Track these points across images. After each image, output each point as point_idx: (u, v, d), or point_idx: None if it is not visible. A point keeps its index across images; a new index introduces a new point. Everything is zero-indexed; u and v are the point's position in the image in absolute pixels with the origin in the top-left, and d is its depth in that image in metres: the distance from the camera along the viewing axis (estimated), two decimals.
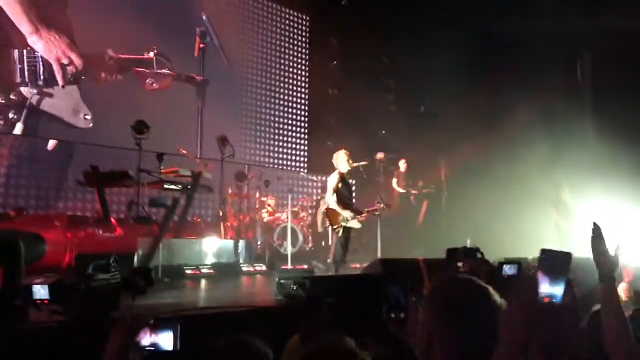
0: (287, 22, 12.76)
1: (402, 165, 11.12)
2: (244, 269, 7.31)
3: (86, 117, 9.29)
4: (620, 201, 9.07)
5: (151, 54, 9.97)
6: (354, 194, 7.70)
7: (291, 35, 12.83)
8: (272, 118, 12.23)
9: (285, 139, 12.48)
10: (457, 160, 10.96)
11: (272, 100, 12.27)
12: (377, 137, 12.58)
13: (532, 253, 6.78)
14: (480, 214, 10.46)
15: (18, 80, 8.62)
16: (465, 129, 10.72)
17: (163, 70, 10.16)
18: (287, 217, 8.62)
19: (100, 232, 6.66)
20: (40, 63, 8.82)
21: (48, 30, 8.83)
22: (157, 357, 1.71)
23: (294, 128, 12.71)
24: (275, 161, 12.19)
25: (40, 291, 2.79)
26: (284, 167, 12.26)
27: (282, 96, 12.49)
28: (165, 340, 1.71)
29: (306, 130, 12.90)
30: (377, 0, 12.18)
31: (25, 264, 3.48)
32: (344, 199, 7.20)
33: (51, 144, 9.02)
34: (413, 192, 10.98)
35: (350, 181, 7.76)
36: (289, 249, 7.99)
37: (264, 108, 12.06)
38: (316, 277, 5.89)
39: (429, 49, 11.04)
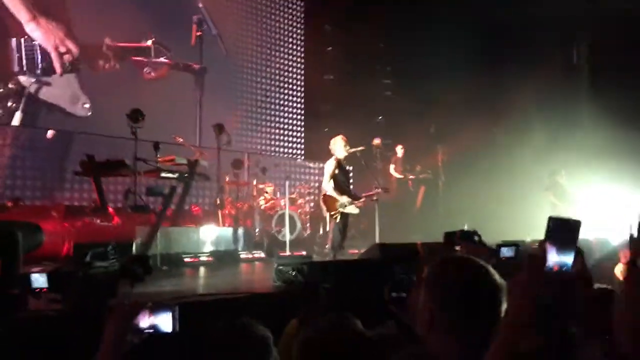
0: (282, 8, 12.68)
1: (400, 150, 11.10)
2: (243, 256, 7.32)
3: (85, 105, 9.26)
4: (618, 185, 9.11)
5: (149, 42, 9.91)
6: (351, 180, 7.69)
7: (286, 21, 12.76)
8: (268, 105, 12.19)
9: (281, 125, 12.46)
10: (454, 146, 10.95)
11: (268, 87, 12.23)
12: (374, 122, 12.55)
13: (529, 236, 6.84)
14: (477, 198, 10.48)
15: (16, 69, 8.58)
16: (464, 114, 10.71)
17: (160, 59, 10.10)
18: (285, 204, 8.62)
19: (98, 221, 6.66)
20: (39, 51, 8.76)
21: (46, 18, 8.77)
22: (156, 340, 1.71)
23: (290, 115, 12.68)
24: (272, 148, 12.17)
25: (39, 280, 2.79)
26: (281, 154, 12.24)
27: (278, 83, 12.45)
28: (164, 321, 1.71)
29: (302, 117, 12.87)
30: None
31: (23, 253, 3.49)
32: (341, 185, 7.19)
33: (50, 132, 9.00)
34: (410, 177, 10.97)
35: (347, 167, 7.75)
36: (287, 236, 8.00)
37: (259, 95, 12.02)
38: (314, 262, 5.92)
39: (426, 34, 10.99)
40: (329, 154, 7.36)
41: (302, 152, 12.72)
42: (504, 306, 1.37)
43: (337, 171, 7.19)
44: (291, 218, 8.62)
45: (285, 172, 10.47)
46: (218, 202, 8.24)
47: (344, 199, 7.12)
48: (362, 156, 7.79)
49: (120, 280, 2.87)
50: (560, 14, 10.80)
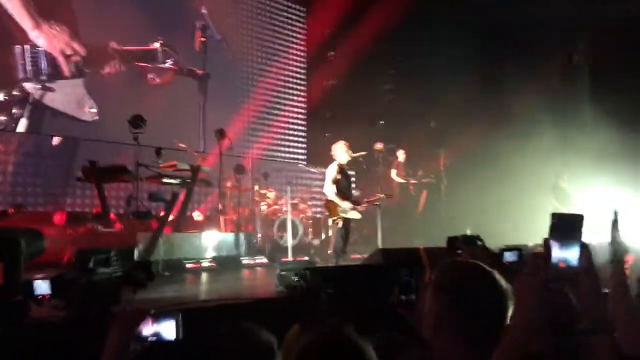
0: (284, 13, 12.72)
1: (401, 155, 11.09)
2: (245, 261, 7.30)
3: (91, 110, 9.28)
4: (621, 188, 9.07)
5: (156, 45, 9.95)
6: (353, 185, 7.68)
7: (288, 27, 12.80)
8: (270, 110, 12.21)
9: (284, 131, 12.47)
10: (456, 150, 10.94)
11: (270, 93, 12.25)
12: (376, 127, 12.55)
13: (532, 240, 6.81)
14: (480, 202, 10.45)
15: (21, 76, 8.60)
16: (464, 114, 10.70)
17: (165, 65, 10.13)
18: (287, 210, 8.61)
19: (100, 227, 6.65)
20: (43, 58, 8.79)
21: (49, 23, 8.80)
22: (159, 347, 1.70)
23: (292, 120, 12.70)
24: (274, 154, 12.18)
25: (42, 286, 2.78)
26: (283, 160, 12.25)
27: (280, 88, 12.47)
28: (168, 329, 1.70)
29: (305, 122, 12.88)
30: None
31: (25, 260, 3.49)
32: (342, 190, 7.18)
33: (56, 139, 9.01)
34: (412, 181, 10.96)
35: (350, 172, 7.75)
36: (289, 241, 7.98)
37: (261, 101, 12.04)
38: (317, 268, 5.89)
39: (428, 37, 11.00)
40: (331, 159, 7.35)
41: (304, 157, 12.73)
42: (510, 311, 1.37)
43: (339, 176, 7.18)
44: (293, 223, 8.61)
45: (287, 178, 10.47)
46: (220, 207, 8.24)
47: (346, 204, 7.11)
48: (364, 161, 7.79)
49: (123, 286, 2.87)
50: (560, 14, 10.79)
